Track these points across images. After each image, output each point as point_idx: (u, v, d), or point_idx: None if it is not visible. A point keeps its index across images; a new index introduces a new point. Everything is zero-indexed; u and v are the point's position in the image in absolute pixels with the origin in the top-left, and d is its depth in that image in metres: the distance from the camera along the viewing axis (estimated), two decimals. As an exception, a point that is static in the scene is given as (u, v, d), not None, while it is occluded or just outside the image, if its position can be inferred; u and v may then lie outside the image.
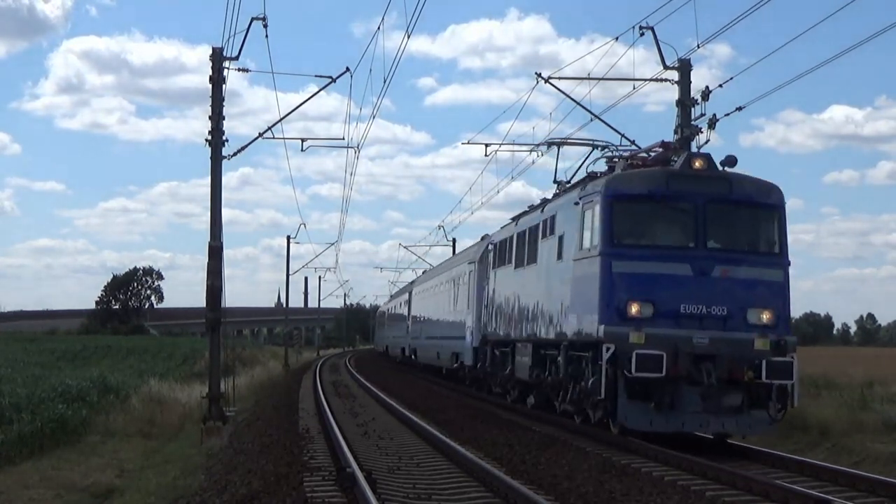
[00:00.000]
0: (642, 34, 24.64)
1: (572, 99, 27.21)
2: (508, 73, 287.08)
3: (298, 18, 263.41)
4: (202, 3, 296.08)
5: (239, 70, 26.97)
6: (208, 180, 26.88)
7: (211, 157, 26.47)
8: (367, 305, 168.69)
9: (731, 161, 18.88)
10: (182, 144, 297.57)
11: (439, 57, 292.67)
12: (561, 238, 21.14)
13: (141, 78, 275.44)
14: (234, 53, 26.28)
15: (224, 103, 26.63)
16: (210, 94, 26.39)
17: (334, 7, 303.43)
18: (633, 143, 26.98)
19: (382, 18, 26.80)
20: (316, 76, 28.03)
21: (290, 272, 73.96)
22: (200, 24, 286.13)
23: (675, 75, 25.56)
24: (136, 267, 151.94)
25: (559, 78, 27.17)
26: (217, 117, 26.39)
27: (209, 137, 26.43)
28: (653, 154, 20.90)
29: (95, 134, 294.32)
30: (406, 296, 59.56)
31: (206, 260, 25.99)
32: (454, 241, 68.72)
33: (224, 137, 26.57)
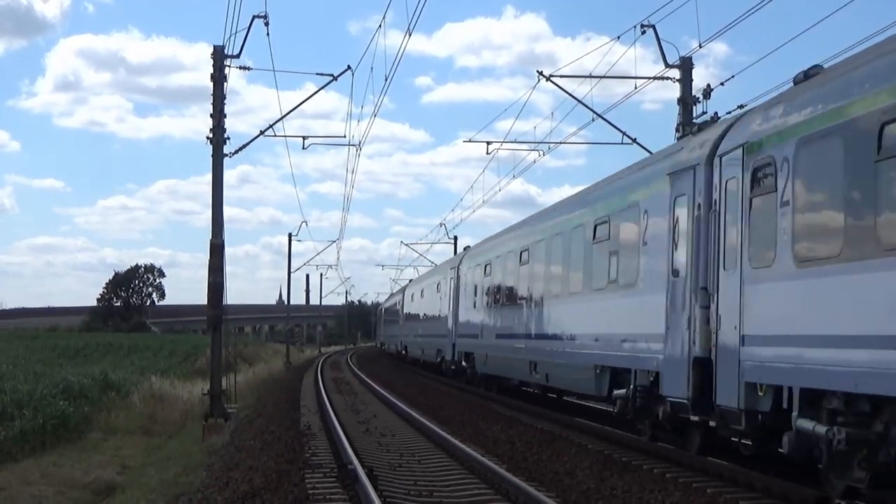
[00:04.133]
0: (643, 32, 24.65)
1: (574, 97, 27.15)
2: (504, 71, 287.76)
3: (293, 17, 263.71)
4: (199, 0, 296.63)
5: (240, 68, 27.06)
6: (207, 178, 27.18)
7: (212, 155, 26.52)
8: (369, 303, 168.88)
9: None
10: (180, 142, 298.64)
11: (435, 55, 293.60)
12: None
13: (138, 76, 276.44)
14: (235, 51, 26.39)
15: (225, 101, 26.71)
16: (211, 91, 26.45)
17: (329, 5, 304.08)
18: (634, 141, 27.03)
19: (384, 16, 26.78)
20: (317, 74, 28.40)
21: (292, 269, 74.13)
22: (198, 22, 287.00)
23: (676, 73, 25.56)
24: (137, 264, 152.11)
25: (561, 76, 27.11)
26: (219, 115, 26.43)
27: (210, 135, 26.48)
28: None
29: (93, 132, 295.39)
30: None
31: (207, 257, 26.04)
32: (455, 238, 68.67)
33: (226, 135, 26.63)
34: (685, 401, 14.95)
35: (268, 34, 26.51)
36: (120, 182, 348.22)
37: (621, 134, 27.19)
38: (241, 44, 26.57)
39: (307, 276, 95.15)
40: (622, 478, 14.06)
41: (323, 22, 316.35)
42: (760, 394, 13.01)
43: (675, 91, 25.54)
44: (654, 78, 26.17)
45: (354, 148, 35.79)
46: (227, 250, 26.31)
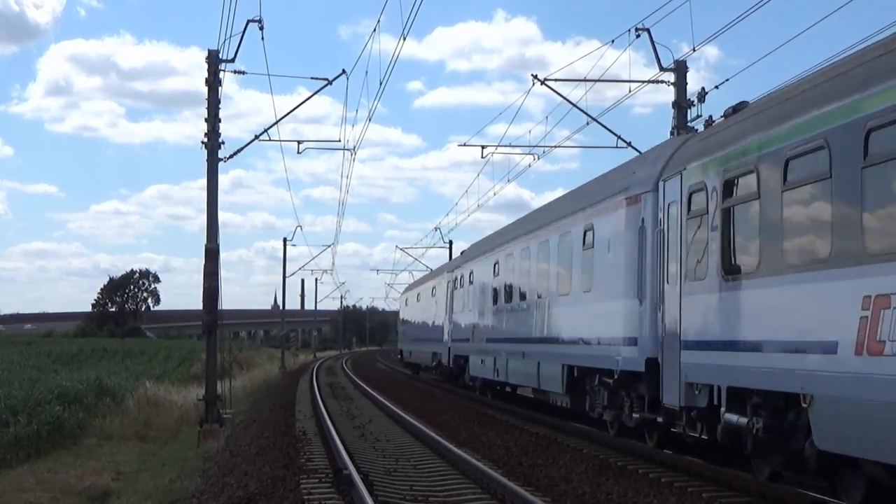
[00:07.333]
0: (638, 36, 24.63)
1: (569, 101, 27.12)
2: (495, 75, 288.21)
3: (284, 21, 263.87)
4: (192, 5, 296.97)
5: (235, 72, 27.11)
6: (199, 183, 27.45)
7: (207, 160, 26.50)
8: (364, 307, 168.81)
9: None
10: (173, 147, 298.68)
11: (426, 59, 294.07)
12: None
13: (130, 80, 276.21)
14: (229, 56, 26.41)
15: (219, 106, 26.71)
16: (205, 96, 26.43)
17: (320, 10, 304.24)
18: (629, 144, 27.02)
19: (378, 21, 26.78)
20: (312, 78, 28.27)
21: (287, 274, 74.13)
22: (190, 27, 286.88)
23: (670, 76, 25.54)
24: (132, 269, 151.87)
25: (555, 80, 27.07)
26: (213, 120, 26.41)
27: (205, 140, 26.46)
28: None
29: (86, 137, 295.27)
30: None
31: (202, 262, 26.00)
32: (451, 242, 68.55)
33: (220, 140, 26.62)
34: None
35: (262, 38, 26.54)
36: (113, 187, 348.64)
37: (616, 137, 27.18)
38: (235, 48, 26.64)
39: (302, 280, 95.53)
40: (617, 482, 14.06)
41: (312, 27, 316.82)
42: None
43: (665, 94, 25.85)
44: (649, 81, 26.16)
45: (349, 152, 35.71)
46: (222, 255, 26.28)
